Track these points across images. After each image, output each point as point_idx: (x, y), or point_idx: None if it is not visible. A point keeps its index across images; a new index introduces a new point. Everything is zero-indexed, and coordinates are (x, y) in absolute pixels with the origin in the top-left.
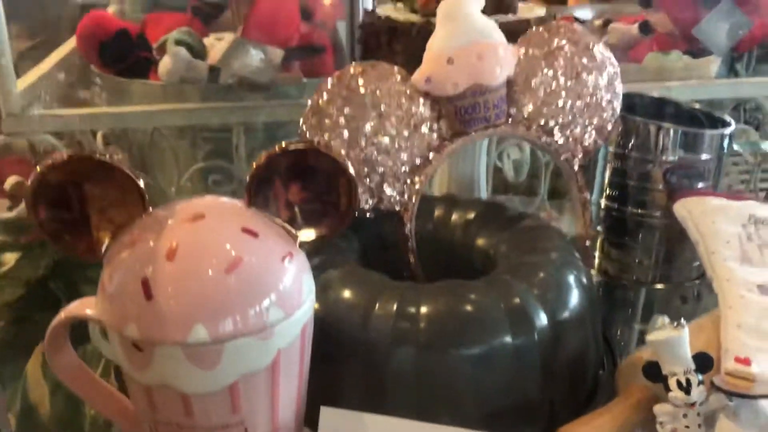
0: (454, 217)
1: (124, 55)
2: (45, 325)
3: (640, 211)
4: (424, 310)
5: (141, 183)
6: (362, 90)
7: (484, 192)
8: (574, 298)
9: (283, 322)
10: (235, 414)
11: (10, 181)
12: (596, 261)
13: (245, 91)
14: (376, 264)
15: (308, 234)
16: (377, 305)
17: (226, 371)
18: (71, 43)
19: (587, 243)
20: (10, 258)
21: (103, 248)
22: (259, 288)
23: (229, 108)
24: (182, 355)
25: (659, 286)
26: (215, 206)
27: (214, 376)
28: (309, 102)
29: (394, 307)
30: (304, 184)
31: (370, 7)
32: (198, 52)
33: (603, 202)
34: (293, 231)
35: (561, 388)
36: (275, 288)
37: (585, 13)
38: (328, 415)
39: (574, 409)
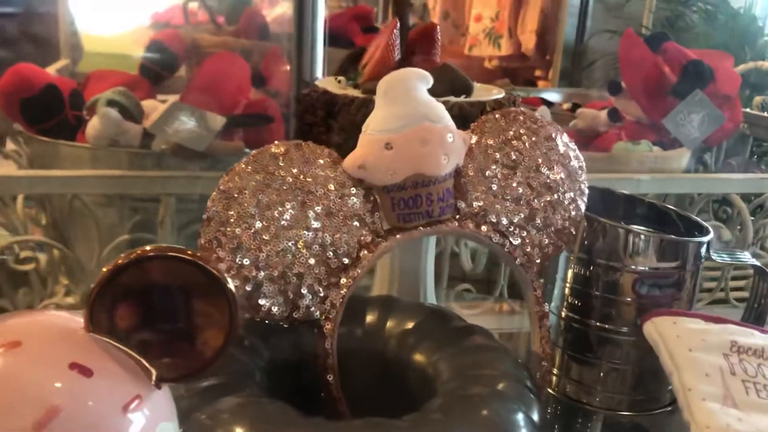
0: (390, 324)
1: (50, 114)
2: None
3: (605, 325)
4: None
5: None
6: (282, 173)
7: (431, 291)
8: None
9: None
10: None
11: None
12: (554, 378)
13: (180, 158)
14: (287, 383)
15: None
16: None
17: None
18: None
19: (544, 363)
20: None
21: None
22: None
23: (160, 177)
24: None
25: (625, 413)
26: (39, 330)
27: None
28: (219, 185)
29: None
30: (160, 305)
31: (314, 77)
32: (132, 114)
33: (564, 313)
34: (147, 366)
35: None
36: None
37: (553, 95)
38: None
39: None
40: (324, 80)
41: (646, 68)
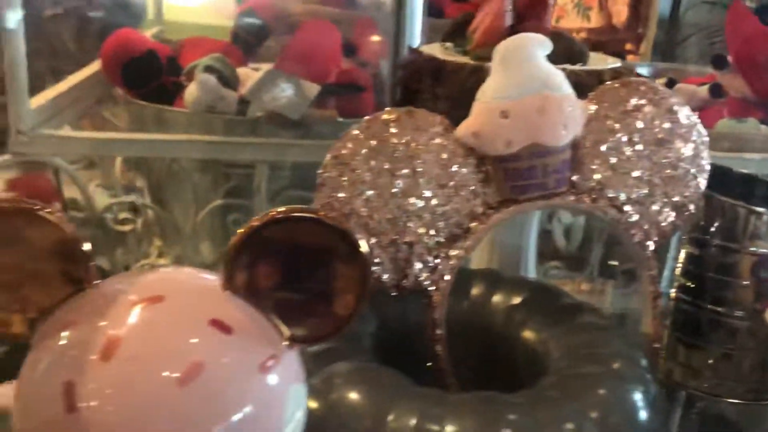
0: (496, 299)
1: (149, 79)
2: None
3: (718, 308)
4: (449, 428)
5: (85, 246)
6: (394, 141)
7: (532, 267)
8: (643, 425)
9: None
10: None
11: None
12: (660, 361)
13: (274, 126)
14: (394, 353)
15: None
16: (391, 417)
17: None
18: (98, 63)
19: (656, 345)
20: None
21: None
22: (223, 406)
23: (255, 144)
24: None
25: (734, 401)
26: (180, 285)
27: None
28: (330, 152)
29: (413, 422)
30: (300, 265)
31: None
32: (229, 81)
33: (674, 294)
34: (281, 326)
35: None
36: (246, 406)
37: (646, 70)
38: None
39: None
40: (429, 47)
41: (755, 42)
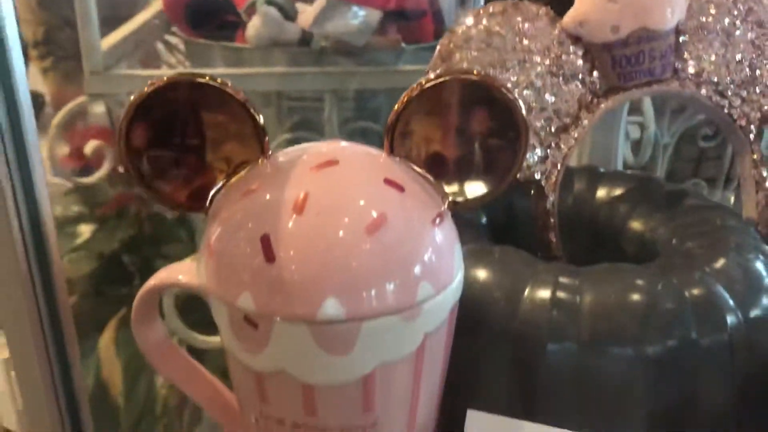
0: (600, 192)
1: (210, 17)
2: (118, 300)
3: None
4: (586, 298)
5: (261, 119)
6: (502, 32)
7: (620, 162)
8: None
9: (432, 300)
10: (368, 413)
11: (91, 144)
12: None
13: (339, 55)
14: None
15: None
16: (527, 290)
17: (361, 358)
18: (158, 4)
19: (759, 228)
20: (86, 230)
21: (209, 198)
22: (406, 256)
23: (320, 73)
24: (309, 336)
25: None
26: (350, 152)
27: (347, 363)
28: (438, 47)
29: (549, 293)
30: (457, 130)
31: None
32: (289, 13)
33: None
34: (443, 187)
35: (754, 404)
36: (425, 257)
37: None
38: (475, 419)
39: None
40: None
41: None
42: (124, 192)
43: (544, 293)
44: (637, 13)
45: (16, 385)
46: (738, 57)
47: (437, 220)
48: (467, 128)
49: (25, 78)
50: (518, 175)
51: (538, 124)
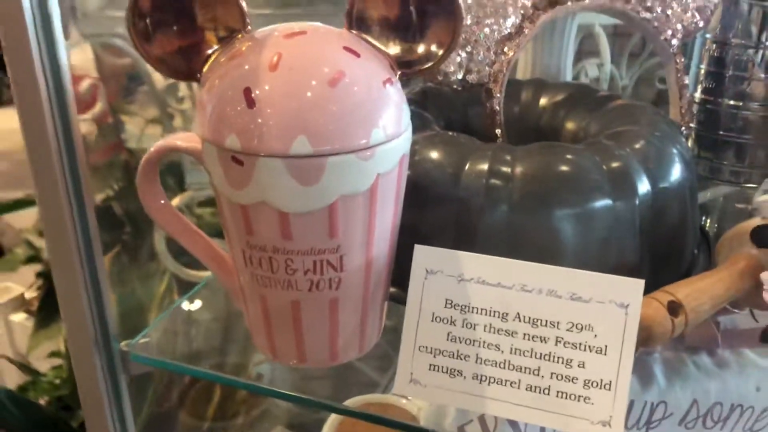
0: (543, 100)
1: None
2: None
3: (736, 102)
4: (518, 168)
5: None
6: None
7: (569, 72)
8: (677, 171)
9: (384, 146)
10: (333, 238)
11: (85, 83)
12: None
13: None
14: None
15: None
16: (468, 164)
17: (327, 189)
18: None
19: (683, 129)
20: None
21: (202, 64)
22: (361, 106)
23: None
24: (283, 169)
25: (753, 185)
26: (316, 26)
27: (314, 193)
28: None
29: (486, 165)
30: (404, 9)
31: None
32: None
33: (697, 96)
34: (393, 57)
35: (660, 259)
36: (377, 109)
37: None
38: (422, 252)
39: (673, 280)
40: None
41: None
42: (114, 142)
43: (483, 164)
44: None
45: None
46: None
47: (387, 83)
48: (408, 9)
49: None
50: (469, 78)
51: (486, 32)
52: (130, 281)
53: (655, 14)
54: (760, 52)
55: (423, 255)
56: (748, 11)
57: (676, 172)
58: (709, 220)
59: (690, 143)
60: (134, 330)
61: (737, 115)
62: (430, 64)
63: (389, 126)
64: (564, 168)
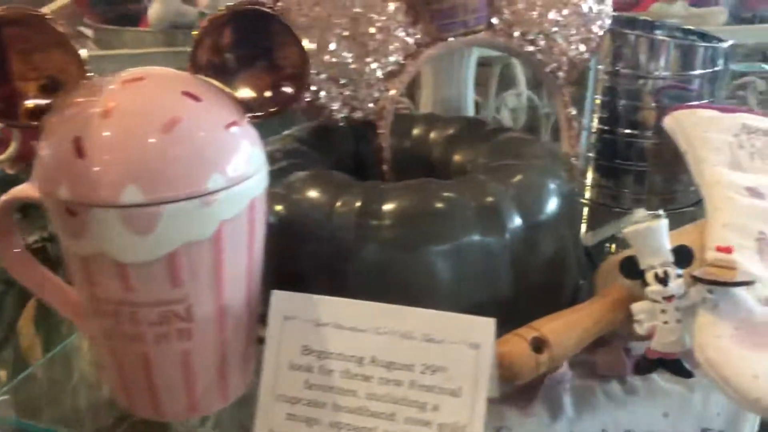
0: (434, 134)
1: (114, 3)
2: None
3: (631, 131)
4: (389, 206)
5: (82, 52)
6: None
7: (471, 109)
8: (553, 204)
9: (226, 191)
10: (177, 288)
11: None
12: (588, 189)
13: None
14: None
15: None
16: (340, 202)
17: (164, 238)
18: None
19: (574, 160)
20: None
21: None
22: (199, 151)
23: None
24: (117, 219)
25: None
26: (157, 71)
27: (151, 243)
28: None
29: (358, 203)
30: (252, 51)
31: None
32: None
33: (594, 126)
34: (240, 100)
35: (536, 291)
36: (217, 154)
37: None
38: (280, 298)
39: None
40: None
41: None
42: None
43: (354, 203)
44: None
45: None
46: (544, 11)
47: (232, 127)
48: (257, 52)
49: None
50: (354, 115)
51: (370, 71)
52: None
53: (539, 47)
54: (650, 81)
55: (280, 301)
56: (635, 41)
57: (552, 206)
58: (612, 248)
59: (590, 173)
60: None
61: (633, 143)
62: (279, 107)
63: (233, 171)
64: (434, 205)
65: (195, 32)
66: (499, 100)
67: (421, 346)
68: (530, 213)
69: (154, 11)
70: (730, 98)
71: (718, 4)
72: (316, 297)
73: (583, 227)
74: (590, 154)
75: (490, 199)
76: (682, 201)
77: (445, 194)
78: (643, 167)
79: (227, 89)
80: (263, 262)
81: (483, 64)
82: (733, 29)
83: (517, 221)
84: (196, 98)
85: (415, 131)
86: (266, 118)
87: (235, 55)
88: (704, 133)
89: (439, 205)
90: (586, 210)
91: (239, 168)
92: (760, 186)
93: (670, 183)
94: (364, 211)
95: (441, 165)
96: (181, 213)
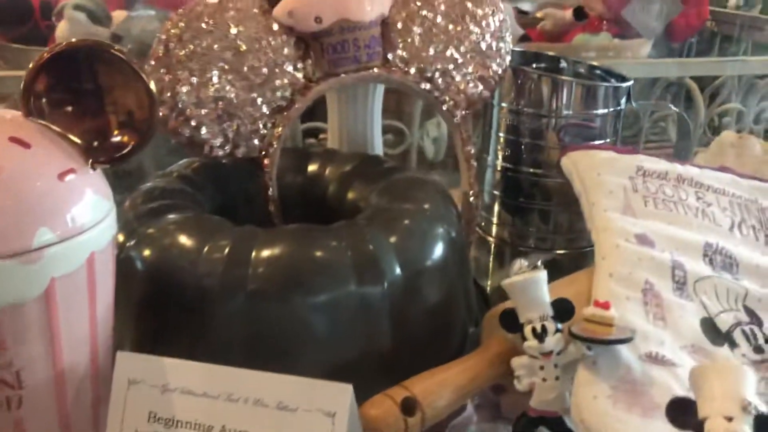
0: (329, 170)
1: (17, 21)
2: None
3: (534, 170)
4: (259, 253)
5: None
6: (215, 21)
7: (379, 148)
8: (438, 250)
9: (56, 247)
10: (1, 352)
11: None
12: (494, 228)
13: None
14: (237, 219)
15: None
16: (207, 248)
17: None
18: None
19: (471, 199)
20: None
21: None
22: (23, 203)
23: None
24: None
25: (557, 251)
26: None
27: None
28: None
29: (226, 251)
30: (94, 92)
31: None
32: (100, 18)
33: (499, 164)
34: (80, 145)
35: (419, 342)
36: (46, 206)
37: (528, 5)
38: (124, 360)
39: (437, 364)
40: None
41: None
42: None
43: (222, 250)
44: (336, 5)
45: None
46: (440, 47)
47: (68, 175)
48: (99, 90)
49: None
50: (237, 153)
51: (254, 108)
52: None
53: (436, 85)
54: (552, 120)
55: (125, 362)
56: (537, 80)
57: (437, 252)
58: None
59: (496, 210)
60: None
61: (537, 182)
62: (126, 152)
63: (66, 223)
64: (308, 253)
65: (30, 68)
66: (423, 130)
67: (275, 414)
68: (412, 261)
69: (60, 31)
70: (651, 130)
71: (641, 37)
72: (164, 359)
73: (490, 266)
74: (496, 192)
75: (369, 247)
76: (589, 240)
77: (322, 242)
78: (547, 206)
79: (66, 134)
80: (123, 316)
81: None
82: (654, 62)
83: (396, 270)
84: (24, 144)
85: (311, 167)
86: (112, 164)
87: (74, 96)
88: (598, 177)
89: (316, 253)
90: (492, 248)
91: (75, 219)
92: (649, 233)
93: (575, 222)
94: (232, 258)
95: (335, 202)
96: (3, 272)
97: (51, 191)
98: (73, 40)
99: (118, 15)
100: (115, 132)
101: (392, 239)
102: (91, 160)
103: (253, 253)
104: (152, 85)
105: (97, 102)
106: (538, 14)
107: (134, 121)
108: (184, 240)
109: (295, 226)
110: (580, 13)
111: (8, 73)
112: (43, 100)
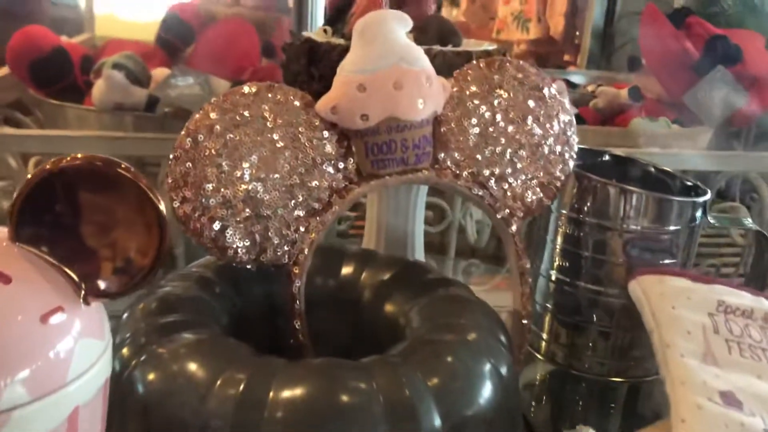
0: (365, 275)
1: (57, 77)
2: None
3: (594, 287)
4: (278, 394)
5: None
6: (252, 113)
7: (420, 251)
8: (485, 393)
9: (27, 408)
10: None
11: None
12: (543, 344)
13: (181, 121)
14: (257, 332)
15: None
16: (219, 383)
17: None
18: None
19: (524, 321)
20: None
21: None
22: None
23: (161, 139)
24: None
25: (614, 379)
26: None
27: None
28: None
29: (240, 387)
30: (95, 215)
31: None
32: (139, 78)
33: (553, 275)
34: (75, 278)
35: None
36: (20, 357)
37: (579, 78)
38: None
39: None
40: (313, 32)
41: (666, 43)
42: None
43: (236, 385)
44: (385, 102)
45: None
46: (498, 150)
47: (54, 315)
48: (102, 214)
49: None
50: (263, 258)
51: (285, 208)
52: None
53: (491, 191)
54: (618, 233)
55: None
56: (602, 189)
57: (485, 396)
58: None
59: (546, 325)
60: None
61: (597, 300)
62: (131, 284)
63: (41, 378)
64: (333, 398)
65: (22, 186)
66: (465, 208)
67: None
68: (454, 409)
69: (97, 89)
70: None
71: (702, 124)
72: None
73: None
74: (548, 305)
75: (405, 392)
76: (650, 369)
77: (350, 383)
78: (607, 327)
79: (59, 264)
80: None
81: None
82: (717, 155)
83: (436, 421)
84: (4, 278)
85: (345, 269)
86: (114, 298)
87: (71, 220)
88: (673, 311)
89: (343, 397)
90: (539, 367)
91: (54, 373)
92: (736, 390)
93: (636, 347)
94: (247, 396)
95: (370, 313)
96: None
97: (28, 337)
98: (79, 155)
99: (160, 72)
100: (117, 261)
101: (432, 381)
102: (84, 293)
103: (271, 393)
104: (163, 208)
105: (99, 226)
106: (589, 88)
107: (143, 247)
108: (195, 368)
109: (321, 361)
110: (635, 94)
111: (34, 132)
112: (37, 222)
